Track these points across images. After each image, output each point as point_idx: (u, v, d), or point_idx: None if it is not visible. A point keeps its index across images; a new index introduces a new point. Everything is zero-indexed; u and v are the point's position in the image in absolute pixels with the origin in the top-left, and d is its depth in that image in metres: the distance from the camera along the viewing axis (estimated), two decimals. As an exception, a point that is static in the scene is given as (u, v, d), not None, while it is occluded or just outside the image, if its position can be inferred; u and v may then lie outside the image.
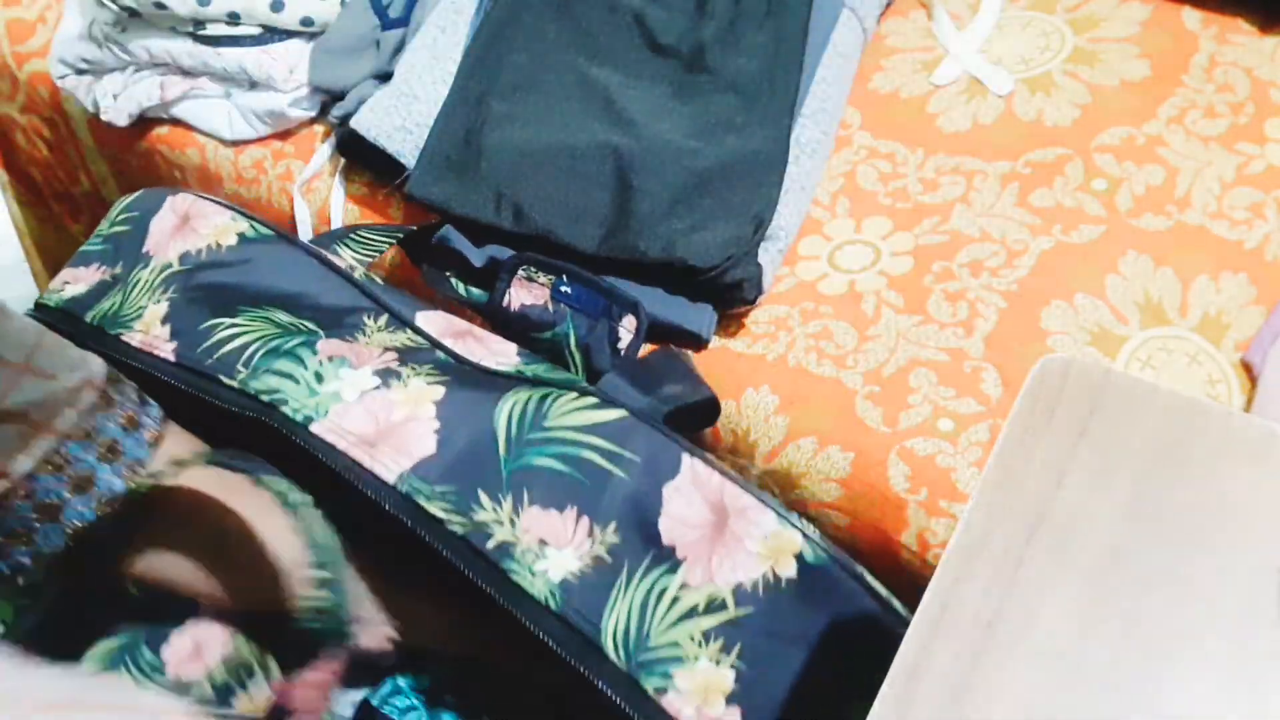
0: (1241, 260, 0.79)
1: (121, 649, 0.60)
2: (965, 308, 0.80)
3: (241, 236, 0.69)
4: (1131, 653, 0.36)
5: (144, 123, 1.05)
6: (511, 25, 0.92)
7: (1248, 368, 0.74)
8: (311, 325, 0.65)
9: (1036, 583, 0.37)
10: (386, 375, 0.61)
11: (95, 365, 0.58)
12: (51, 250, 1.36)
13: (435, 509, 0.57)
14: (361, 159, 0.95)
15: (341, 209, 0.96)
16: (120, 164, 1.13)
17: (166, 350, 0.64)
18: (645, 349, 0.79)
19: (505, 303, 0.78)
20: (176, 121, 1.04)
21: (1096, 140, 0.87)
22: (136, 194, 0.76)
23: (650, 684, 0.54)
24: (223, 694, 0.59)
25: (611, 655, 0.54)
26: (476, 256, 0.80)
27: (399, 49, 0.95)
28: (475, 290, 0.82)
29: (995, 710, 0.35)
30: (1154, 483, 0.39)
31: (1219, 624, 0.36)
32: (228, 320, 0.64)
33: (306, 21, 0.97)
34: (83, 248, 0.75)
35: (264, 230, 0.70)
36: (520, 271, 0.78)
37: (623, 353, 0.77)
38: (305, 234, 0.98)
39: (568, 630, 0.55)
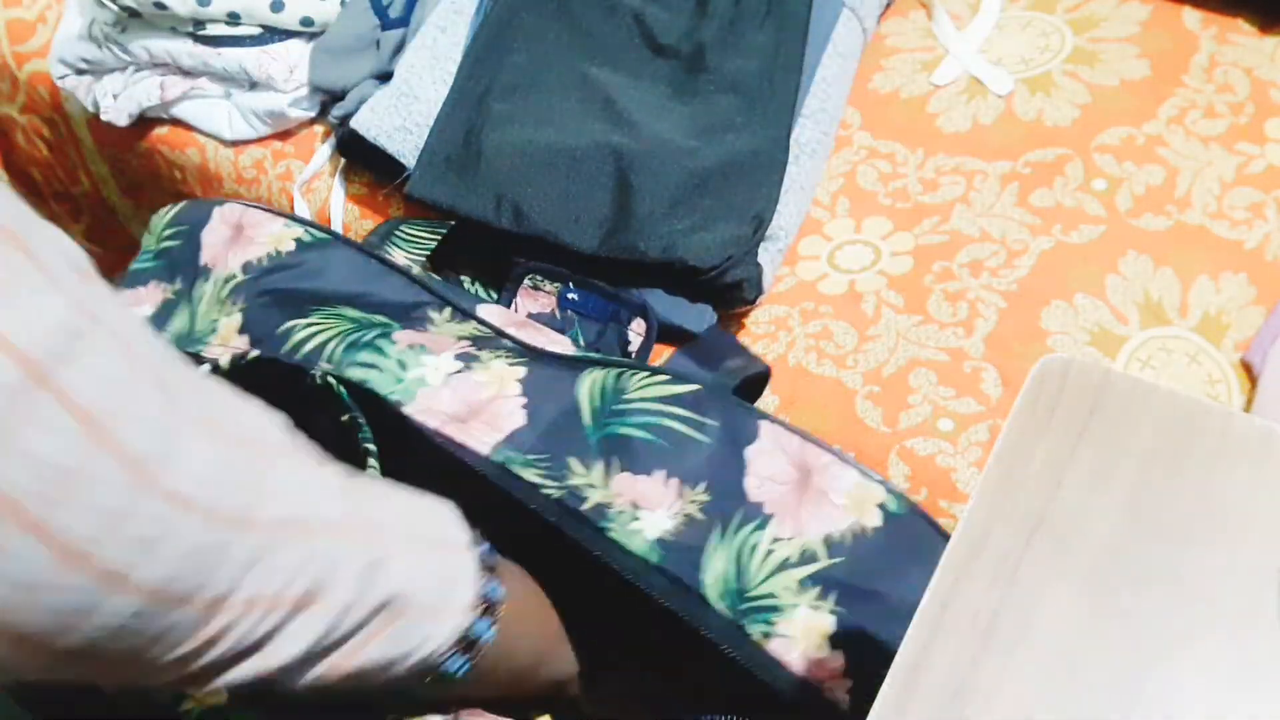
0: (1241, 260, 0.79)
1: None
2: (965, 308, 0.80)
3: (299, 242, 0.70)
4: (1131, 653, 0.36)
5: (144, 123, 1.05)
6: (511, 26, 0.92)
7: (1248, 368, 0.74)
8: (383, 319, 0.65)
9: (1036, 583, 0.37)
10: (468, 359, 0.62)
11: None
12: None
13: (531, 475, 0.58)
14: (361, 159, 0.95)
15: (341, 209, 0.96)
16: (120, 164, 1.13)
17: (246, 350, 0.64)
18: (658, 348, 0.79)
19: (512, 311, 0.78)
20: (176, 121, 1.04)
21: (1096, 140, 0.87)
22: (179, 206, 0.76)
23: (755, 630, 0.55)
24: None
25: (715, 604, 0.55)
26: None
27: (399, 49, 0.95)
28: (486, 296, 0.83)
29: (995, 710, 0.35)
30: (1154, 483, 0.39)
31: (1219, 624, 0.36)
32: (303, 321, 0.65)
33: (306, 21, 0.97)
34: (133, 266, 0.75)
35: (319, 235, 0.71)
36: (526, 281, 0.79)
37: (633, 356, 0.77)
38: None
39: (671, 583, 0.56)
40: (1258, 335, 0.75)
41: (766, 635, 0.55)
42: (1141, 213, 0.82)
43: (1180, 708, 0.35)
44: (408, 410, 0.60)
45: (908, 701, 0.36)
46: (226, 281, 0.69)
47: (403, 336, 0.63)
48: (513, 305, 0.78)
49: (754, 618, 0.55)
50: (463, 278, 0.87)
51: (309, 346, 0.63)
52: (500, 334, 0.67)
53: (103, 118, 1.03)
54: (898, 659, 0.37)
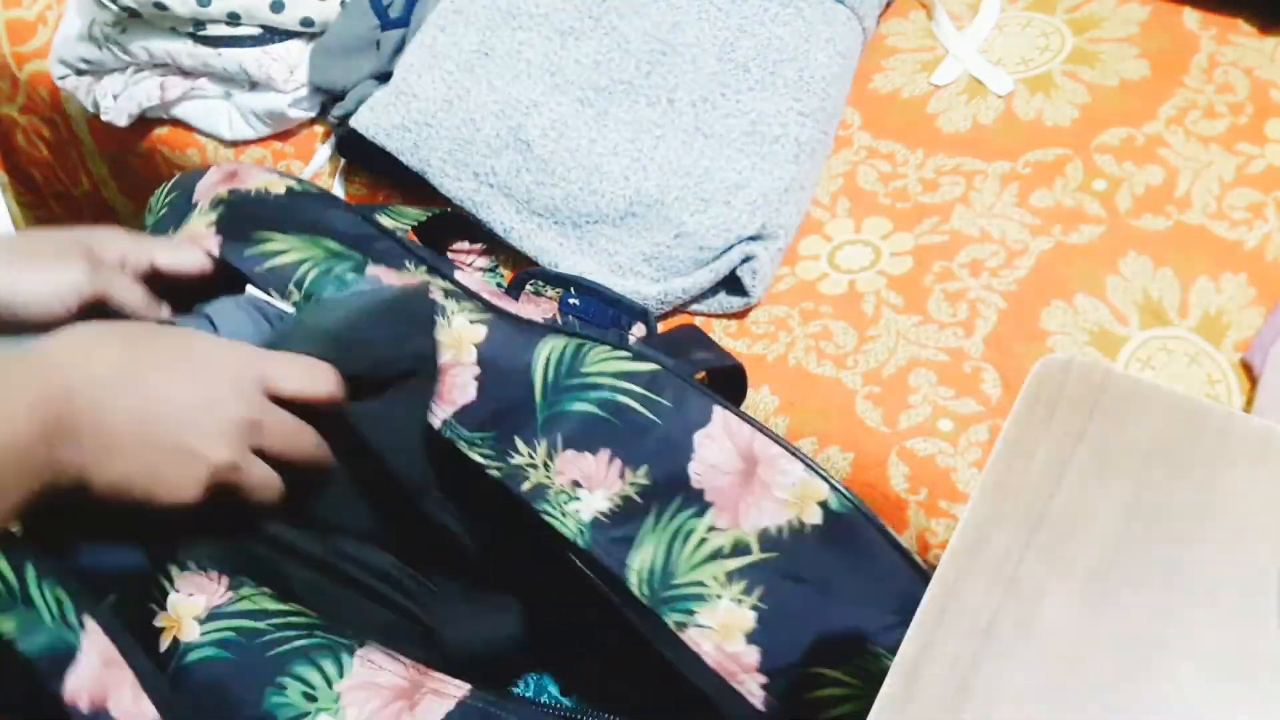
0: (1241, 260, 0.79)
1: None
2: (965, 308, 0.80)
3: (290, 189, 0.70)
4: (1131, 653, 0.36)
5: (144, 123, 1.05)
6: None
7: (1248, 368, 0.74)
8: (359, 255, 0.65)
9: (1036, 583, 0.37)
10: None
11: None
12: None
13: (475, 455, 0.59)
14: (361, 159, 0.95)
15: (341, 209, 0.96)
16: (120, 164, 1.13)
17: (211, 243, 0.64)
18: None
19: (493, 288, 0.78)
20: (176, 121, 1.04)
21: (1096, 140, 0.87)
22: (176, 177, 0.77)
23: (672, 619, 0.56)
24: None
25: (635, 590, 0.56)
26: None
27: (399, 49, 0.96)
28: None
29: (995, 710, 0.35)
30: (1154, 483, 0.39)
31: (1219, 624, 0.36)
32: (279, 234, 0.64)
33: (306, 22, 0.97)
34: None
35: (310, 188, 0.71)
36: (528, 286, 0.79)
37: None
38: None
39: (595, 566, 0.57)
40: (1258, 335, 0.75)
41: (682, 625, 0.56)
42: (1141, 213, 0.82)
43: (1180, 708, 0.35)
44: None
45: (908, 701, 0.36)
46: (214, 202, 0.69)
47: (374, 271, 0.64)
48: (515, 311, 0.79)
49: (674, 605, 0.56)
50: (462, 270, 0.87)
51: (278, 261, 0.63)
52: (473, 295, 0.67)
53: (103, 118, 1.03)
54: (898, 659, 0.37)
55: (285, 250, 0.64)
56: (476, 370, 0.61)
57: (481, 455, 0.59)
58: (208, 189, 0.72)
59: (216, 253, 0.64)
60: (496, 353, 0.61)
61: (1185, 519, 0.38)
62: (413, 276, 0.65)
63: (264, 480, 0.55)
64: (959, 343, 0.78)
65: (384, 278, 0.63)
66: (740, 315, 0.84)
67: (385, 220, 0.75)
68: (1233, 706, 0.35)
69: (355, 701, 0.54)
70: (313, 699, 0.53)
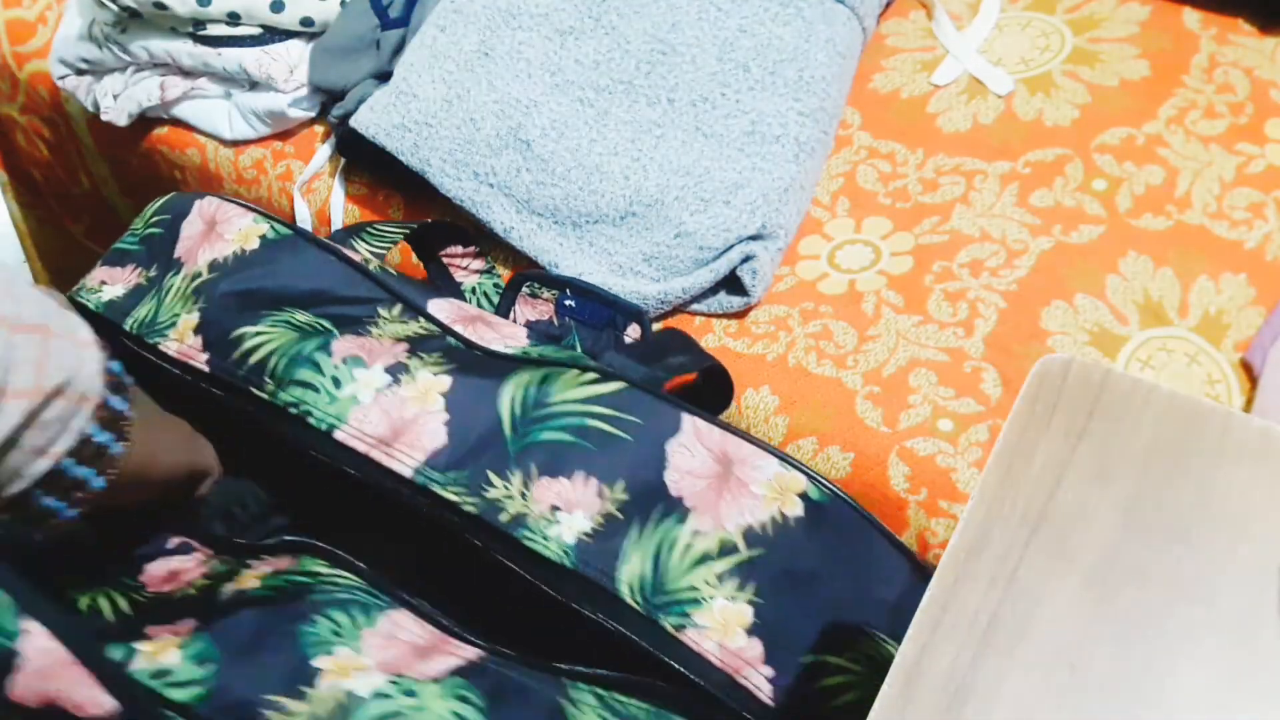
0: (1241, 260, 0.79)
1: (101, 575, 0.63)
2: (965, 308, 0.80)
3: (263, 239, 0.72)
4: (1131, 653, 0.36)
5: (144, 123, 1.05)
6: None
7: (1248, 368, 0.74)
8: (328, 324, 0.67)
9: (1036, 583, 0.37)
10: (397, 371, 0.64)
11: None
12: (51, 250, 1.36)
13: (450, 494, 0.60)
14: (361, 159, 0.95)
15: (341, 209, 0.96)
16: (120, 164, 1.13)
17: (200, 361, 0.67)
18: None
19: (511, 319, 0.79)
20: (176, 121, 1.04)
21: (1096, 140, 0.87)
22: (167, 197, 0.79)
23: (669, 622, 0.56)
24: (212, 584, 0.62)
25: (629, 601, 0.56)
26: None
27: (399, 49, 0.95)
28: (487, 305, 0.83)
29: (995, 711, 0.35)
30: (1154, 483, 0.39)
31: (1219, 624, 0.36)
32: (252, 330, 0.67)
33: (306, 22, 0.97)
34: (117, 245, 0.78)
35: (283, 231, 0.73)
36: (525, 288, 0.80)
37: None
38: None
39: (585, 585, 0.57)
40: (1258, 335, 0.75)
41: (680, 627, 0.56)
42: (1141, 213, 0.82)
43: (1180, 708, 0.35)
44: (341, 434, 0.62)
45: (908, 702, 0.36)
46: (193, 279, 0.71)
47: (340, 346, 0.65)
48: (511, 313, 0.79)
49: (669, 610, 0.56)
50: (465, 281, 0.87)
51: (255, 358, 0.66)
52: (447, 330, 0.69)
53: (103, 118, 1.03)
54: (898, 659, 0.37)
55: (258, 345, 0.66)
56: (445, 416, 0.62)
57: (455, 493, 0.60)
58: (190, 243, 0.74)
59: (208, 370, 0.67)
60: (462, 399, 0.63)
61: (1185, 519, 0.38)
62: (375, 336, 0.67)
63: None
64: (959, 343, 0.78)
65: (349, 352, 0.65)
66: (740, 315, 0.84)
67: (362, 247, 0.77)
68: (1233, 706, 0.35)
69: (375, 646, 0.56)
70: (338, 635, 0.56)
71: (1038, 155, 0.87)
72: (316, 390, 0.64)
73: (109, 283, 0.75)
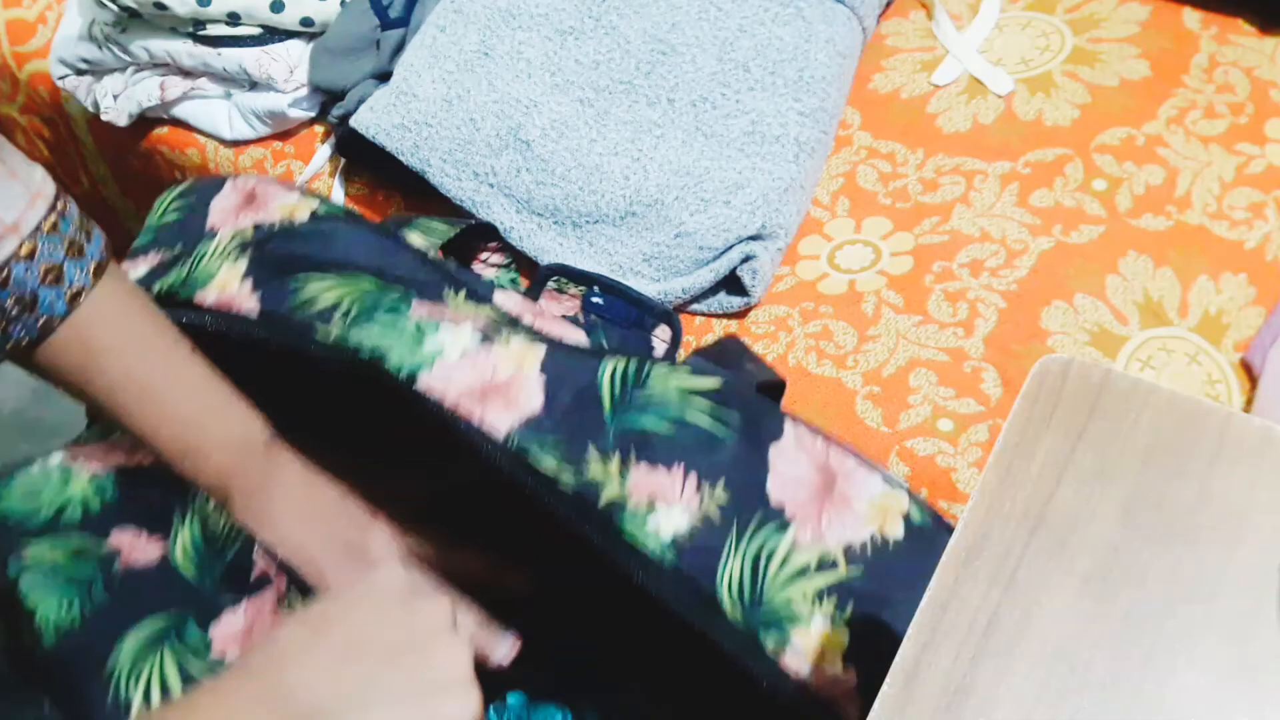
0: (1241, 260, 0.79)
1: (168, 627, 0.58)
2: (965, 308, 0.80)
3: (314, 214, 0.67)
4: (1131, 653, 0.36)
5: (144, 123, 1.05)
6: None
7: (1248, 368, 0.74)
8: (400, 289, 0.63)
9: (1036, 583, 0.37)
10: (488, 333, 0.60)
11: (40, 177, 0.56)
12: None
13: (546, 463, 0.56)
14: (361, 159, 0.95)
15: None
16: (120, 164, 1.13)
17: (249, 305, 0.61)
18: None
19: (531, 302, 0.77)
20: (176, 121, 1.04)
21: (1096, 140, 0.87)
22: (187, 182, 0.74)
23: (769, 641, 0.53)
24: None
25: (729, 612, 0.54)
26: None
27: (399, 49, 0.96)
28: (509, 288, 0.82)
29: (995, 711, 0.35)
30: (1153, 483, 0.39)
31: (1219, 624, 0.36)
32: (317, 274, 0.62)
33: (306, 22, 0.97)
34: (134, 245, 0.74)
35: (335, 209, 0.68)
36: (550, 283, 0.77)
37: None
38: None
39: (685, 587, 0.54)
40: (1258, 335, 0.75)
41: (779, 649, 0.53)
42: (1141, 213, 0.82)
43: (1180, 708, 0.35)
44: (425, 379, 0.57)
45: (908, 701, 0.36)
46: (234, 237, 0.66)
47: (420, 307, 0.61)
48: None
49: (768, 627, 0.53)
50: (484, 274, 0.86)
51: (321, 304, 0.60)
52: (516, 322, 0.65)
53: (103, 118, 1.03)
54: (898, 659, 0.37)
55: (326, 290, 0.61)
56: (542, 379, 0.58)
57: (554, 463, 0.56)
58: (225, 213, 0.69)
59: (258, 313, 0.61)
60: (560, 365, 0.59)
61: (1185, 519, 0.38)
62: (452, 308, 0.63)
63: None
64: (959, 343, 0.78)
65: (431, 313, 0.61)
66: (740, 315, 0.84)
67: (416, 239, 0.72)
68: (1232, 706, 0.35)
69: None
70: None
71: (1038, 155, 0.87)
72: (398, 334, 0.58)
73: (130, 271, 0.70)
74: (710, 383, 0.59)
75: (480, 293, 0.66)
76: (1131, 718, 0.35)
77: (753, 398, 0.59)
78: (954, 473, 0.73)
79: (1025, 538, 0.38)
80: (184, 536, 0.62)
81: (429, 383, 0.57)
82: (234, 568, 0.60)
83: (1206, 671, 0.35)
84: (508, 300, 0.67)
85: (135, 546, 0.61)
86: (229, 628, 0.59)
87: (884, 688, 0.36)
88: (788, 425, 0.58)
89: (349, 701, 0.43)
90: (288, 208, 0.67)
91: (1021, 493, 0.39)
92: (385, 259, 0.65)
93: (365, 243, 0.66)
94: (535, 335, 0.62)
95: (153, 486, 0.63)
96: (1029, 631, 0.36)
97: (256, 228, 0.66)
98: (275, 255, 0.64)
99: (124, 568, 0.60)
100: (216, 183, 0.72)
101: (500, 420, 0.56)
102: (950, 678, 0.36)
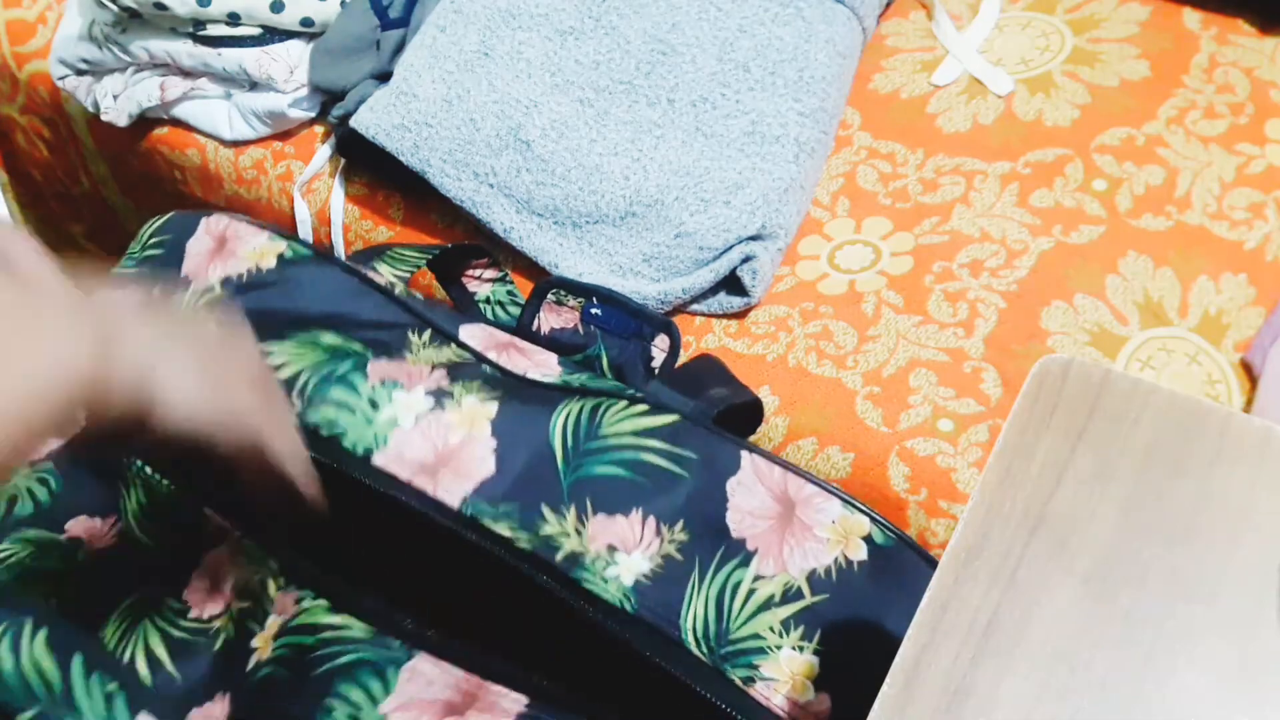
0: (1241, 260, 0.79)
1: (144, 600, 0.61)
2: (965, 308, 0.80)
3: (280, 258, 0.69)
4: (1131, 653, 0.36)
5: (144, 123, 1.05)
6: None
7: (1248, 368, 0.74)
8: (359, 347, 0.64)
9: (1036, 583, 0.37)
10: (439, 395, 0.61)
11: None
12: (51, 251, 1.36)
13: (501, 528, 0.57)
14: (361, 159, 0.95)
15: (341, 209, 0.96)
16: (120, 164, 1.13)
17: None
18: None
19: (535, 327, 0.77)
20: (176, 121, 1.04)
21: (1096, 140, 0.87)
22: (166, 217, 0.76)
23: (737, 675, 0.54)
24: (241, 629, 0.60)
25: (694, 650, 0.54)
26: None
27: (399, 49, 0.96)
28: (504, 314, 0.83)
29: (995, 711, 0.35)
30: (1153, 483, 0.39)
31: (1219, 624, 0.36)
32: (276, 347, 0.63)
33: (306, 22, 0.97)
34: (115, 270, 0.75)
35: (302, 250, 0.70)
36: (549, 295, 0.78)
37: (656, 373, 0.76)
38: (305, 234, 0.98)
39: (648, 631, 0.55)
40: (1258, 335, 0.75)
41: (749, 680, 0.54)
42: (1141, 213, 0.82)
43: (1180, 708, 0.35)
44: (379, 458, 0.59)
45: (908, 701, 0.36)
46: (203, 295, 0.68)
47: (375, 369, 0.62)
48: (535, 321, 0.78)
49: (736, 661, 0.54)
50: (479, 290, 0.86)
51: (280, 376, 0.62)
52: (481, 359, 0.66)
53: (103, 118, 1.03)
54: (898, 659, 0.37)
55: (284, 364, 0.63)
56: (493, 443, 0.59)
57: (508, 528, 0.57)
58: (199, 260, 0.70)
59: None
60: (511, 425, 0.60)
61: (1185, 519, 0.38)
62: (410, 360, 0.64)
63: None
64: (959, 343, 0.78)
65: (386, 374, 0.62)
66: (740, 315, 0.84)
67: (385, 270, 0.73)
68: (1232, 706, 0.35)
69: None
70: None
71: (1038, 155, 0.87)
72: (352, 411, 0.60)
73: None
74: (665, 420, 0.60)
75: (445, 330, 0.67)
76: (1131, 718, 0.35)
77: (708, 433, 0.60)
78: (954, 473, 0.73)
79: (1025, 538, 0.38)
80: (132, 508, 0.64)
81: (385, 459, 0.59)
82: (187, 525, 0.62)
83: (1206, 671, 0.35)
84: (473, 336, 0.68)
85: (93, 533, 0.63)
86: (199, 585, 0.61)
87: (884, 688, 0.36)
88: (744, 457, 0.59)
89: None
90: (256, 254, 0.69)
91: (1021, 493, 0.39)
92: (350, 303, 0.67)
93: (331, 285, 0.67)
94: (492, 383, 0.63)
95: (93, 467, 0.65)
96: (1029, 631, 0.36)
97: (224, 282, 0.68)
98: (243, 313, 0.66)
99: (89, 556, 0.62)
100: (191, 222, 0.73)
101: (455, 488, 0.58)
102: (950, 678, 0.36)
